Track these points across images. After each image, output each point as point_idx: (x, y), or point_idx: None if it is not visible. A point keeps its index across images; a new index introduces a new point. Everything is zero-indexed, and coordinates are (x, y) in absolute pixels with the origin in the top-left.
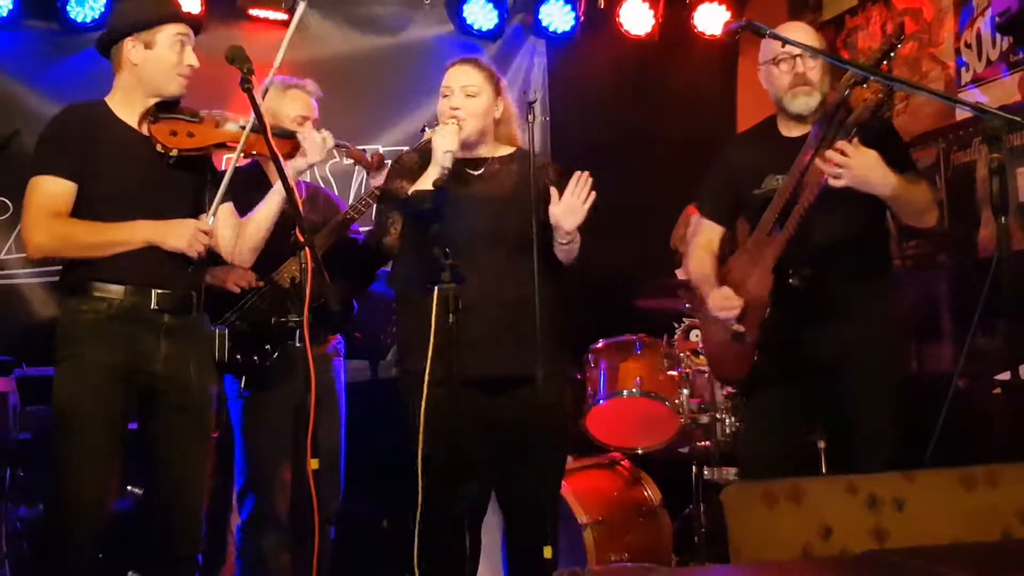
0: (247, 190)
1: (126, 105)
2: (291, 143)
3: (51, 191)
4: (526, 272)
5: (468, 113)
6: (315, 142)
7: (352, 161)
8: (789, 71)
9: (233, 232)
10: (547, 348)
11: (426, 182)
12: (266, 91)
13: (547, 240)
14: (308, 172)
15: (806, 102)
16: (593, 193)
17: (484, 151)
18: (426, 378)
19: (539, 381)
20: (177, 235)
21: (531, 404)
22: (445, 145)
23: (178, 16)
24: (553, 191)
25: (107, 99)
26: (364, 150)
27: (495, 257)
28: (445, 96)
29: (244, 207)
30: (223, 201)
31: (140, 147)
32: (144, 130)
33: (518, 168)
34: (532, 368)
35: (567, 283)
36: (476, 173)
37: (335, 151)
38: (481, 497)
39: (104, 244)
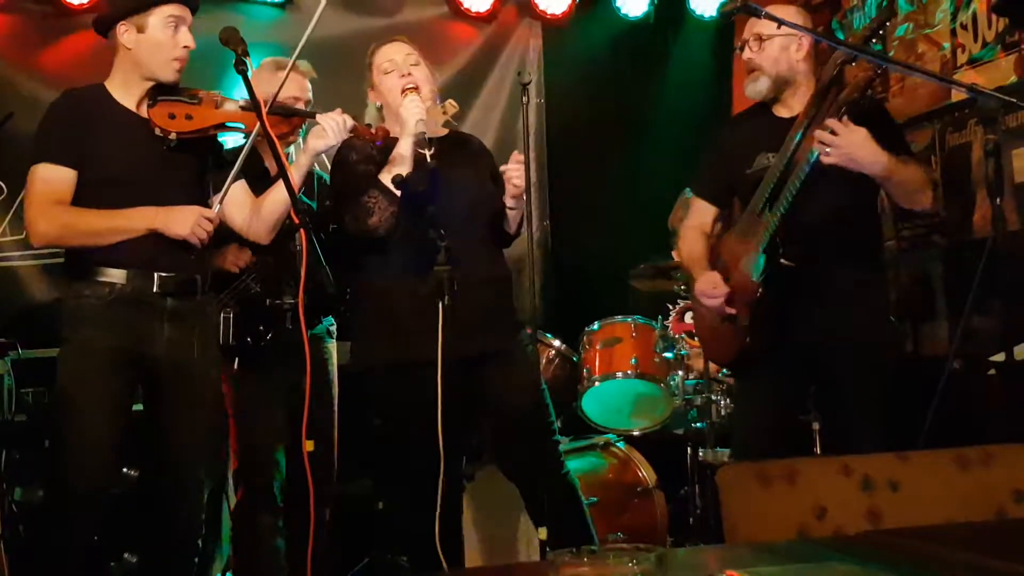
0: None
1: (124, 88)
2: (297, 121)
3: (51, 179)
4: (491, 248)
5: (418, 79)
6: (335, 123)
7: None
8: (746, 57)
9: (247, 210)
10: (515, 320)
11: (403, 162)
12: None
13: (500, 219)
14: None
15: (753, 87)
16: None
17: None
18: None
19: (513, 351)
20: (179, 222)
21: (507, 374)
22: (415, 114)
23: None
24: (514, 156)
25: (106, 82)
26: (370, 125)
27: (463, 234)
28: (389, 72)
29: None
30: (235, 180)
31: (139, 130)
32: (143, 113)
33: (461, 146)
34: (507, 341)
35: (561, 268)
36: (428, 153)
37: None
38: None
39: (106, 232)
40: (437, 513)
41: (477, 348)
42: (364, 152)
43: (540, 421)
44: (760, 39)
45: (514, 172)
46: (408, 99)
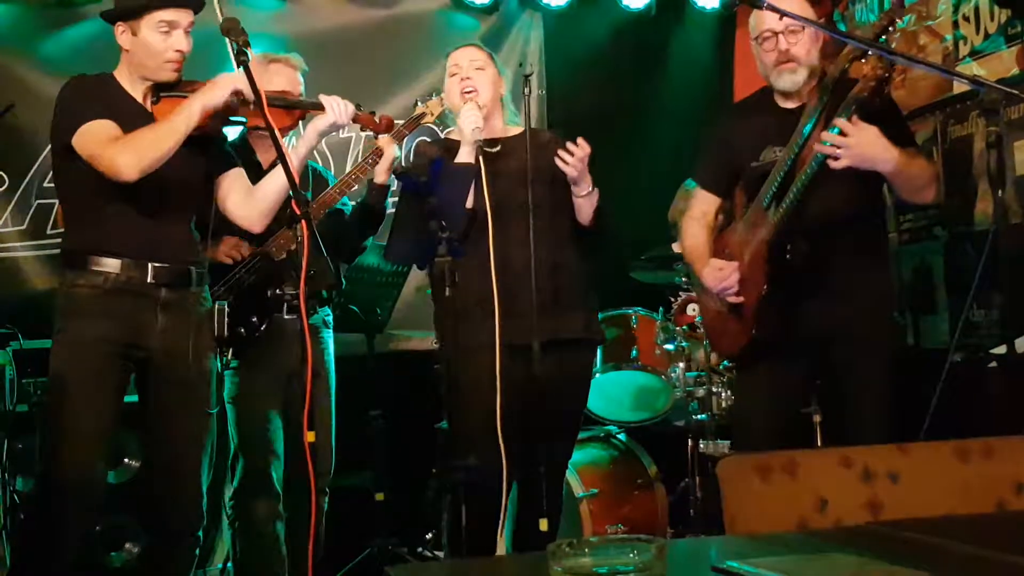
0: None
1: (131, 82)
2: (299, 113)
3: (100, 129)
4: (559, 239)
5: (479, 84)
6: (339, 105)
7: (360, 126)
8: (773, 49)
9: (244, 197)
10: (582, 313)
11: (465, 160)
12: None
13: (571, 210)
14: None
15: (791, 79)
16: (588, 148)
17: (497, 130)
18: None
19: (577, 342)
20: (222, 82)
21: (566, 365)
22: (472, 123)
23: (163, 2)
24: (560, 153)
25: (116, 72)
26: (373, 113)
27: (528, 226)
28: (454, 74)
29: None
30: (232, 167)
31: (147, 121)
32: (148, 107)
33: (530, 143)
34: (570, 329)
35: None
36: (495, 151)
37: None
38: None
39: (173, 130)
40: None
41: (531, 337)
42: (428, 157)
43: (572, 418)
44: (795, 29)
45: (561, 163)
46: (465, 108)
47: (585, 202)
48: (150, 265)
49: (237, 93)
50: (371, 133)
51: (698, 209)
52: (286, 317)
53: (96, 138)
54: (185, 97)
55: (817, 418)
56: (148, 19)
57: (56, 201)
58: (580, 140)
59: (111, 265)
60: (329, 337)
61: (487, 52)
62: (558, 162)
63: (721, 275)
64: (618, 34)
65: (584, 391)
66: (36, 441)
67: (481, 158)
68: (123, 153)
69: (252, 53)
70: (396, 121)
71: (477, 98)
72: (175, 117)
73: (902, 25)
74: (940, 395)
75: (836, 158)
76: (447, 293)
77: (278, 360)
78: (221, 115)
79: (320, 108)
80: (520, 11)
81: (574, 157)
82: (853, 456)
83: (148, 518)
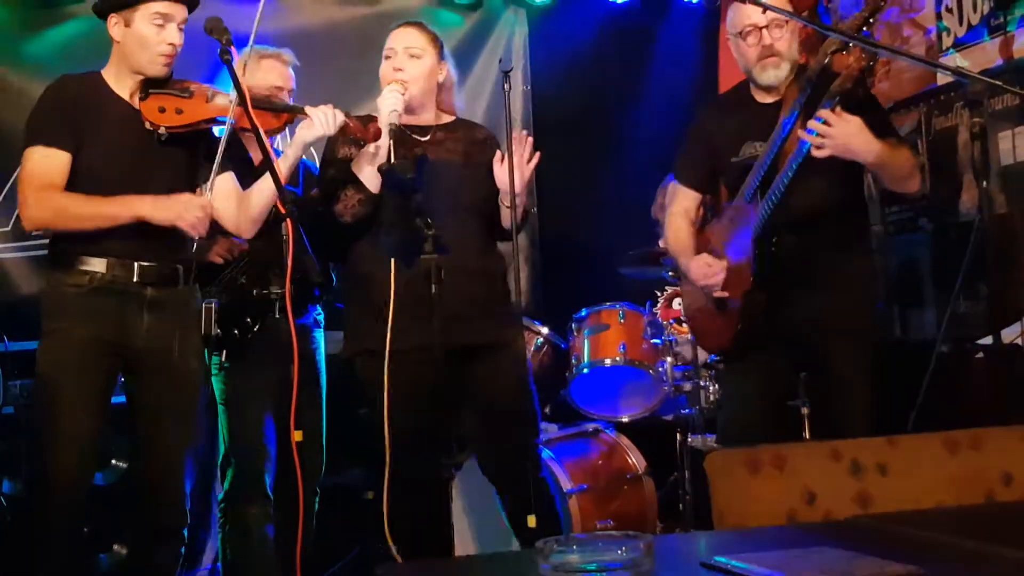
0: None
1: (118, 79)
2: (286, 116)
3: (45, 163)
4: (484, 240)
5: (411, 75)
6: (324, 116)
7: (347, 132)
8: (756, 43)
9: (234, 203)
10: (508, 315)
11: (378, 154)
12: (244, 64)
13: (494, 209)
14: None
15: (775, 74)
16: (537, 154)
17: (428, 117)
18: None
19: (503, 345)
20: (169, 208)
21: (498, 367)
22: (390, 105)
23: None
24: (497, 155)
25: (103, 71)
26: (364, 121)
27: (452, 224)
28: (388, 58)
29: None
30: (221, 172)
31: (132, 121)
32: (136, 104)
33: (462, 135)
34: (496, 333)
35: (548, 255)
36: (423, 139)
37: None
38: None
39: (96, 217)
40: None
41: (464, 339)
42: (348, 141)
43: (524, 419)
44: (779, 23)
45: (497, 173)
46: (387, 89)
47: (508, 212)
48: (136, 264)
49: (177, 224)
50: None
51: (679, 205)
52: (278, 317)
53: (33, 171)
54: (174, 95)
55: (805, 410)
56: (143, 10)
57: None
58: (498, 153)
59: (97, 264)
60: (320, 337)
61: (429, 34)
62: (496, 170)
63: (708, 270)
64: (603, 29)
65: (519, 389)
66: (25, 444)
67: (395, 143)
68: (38, 206)
69: (239, 51)
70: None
71: (406, 84)
72: (110, 207)
73: (885, 18)
74: (928, 386)
75: (820, 147)
76: (434, 290)
77: (271, 361)
78: (208, 119)
79: (306, 115)
80: (504, 7)
81: (501, 170)
82: (842, 449)
83: (135, 518)
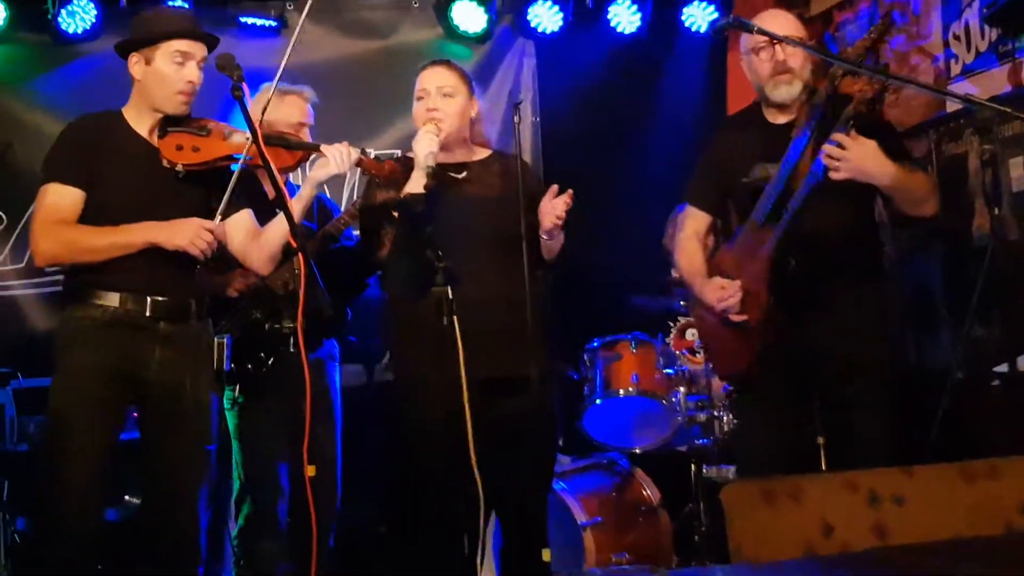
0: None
1: (138, 116)
2: (301, 154)
3: (57, 199)
4: (516, 273)
5: (445, 113)
6: (339, 154)
7: (361, 170)
8: (769, 59)
9: (248, 237)
10: (539, 349)
11: (415, 187)
12: (268, 102)
13: (534, 240)
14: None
15: (787, 90)
16: (569, 191)
17: (463, 154)
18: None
19: (533, 382)
20: (179, 233)
21: (523, 405)
22: (426, 147)
23: (180, 33)
24: (549, 192)
25: (123, 109)
26: (379, 159)
27: (486, 259)
28: (421, 98)
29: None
30: (238, 209)
31: (150, 159)
32: (155, 141)
33: (499, 170)
34: (525, 369)
35: (556, 282)
36: (459, 176)
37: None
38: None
39: (107, 247)
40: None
41: (486, 372)
42: (389, 178)
43: (543, 457)
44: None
45: (546, 210)
46: (422, 130)
47: (548, 244)
48: (149, 299)
49: (187, 252)
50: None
51: (690, 228)
52: (292, 352)
53: (45, 207)
54: (191, 133)
55: (821, 440)
56: (164, 48)
57: None
58: (569, 193)
59: (110, 299)
60: (335, 371)
61: (458, 72)
62: (544, 213)
63: (723, 293)
64: (611, 60)
65: (545, 426)
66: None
67: (442, 183)
68: (48, 239)
69: (259, 86)
70: (395, 152)
71: (440, 124)
72: (120, 236)
73: (893, 45)
74: (943, 414)
75: (836, 170)
76: (445, 322)
77: (284, 396)
78: (225, 156)
79: (321, 152)
80: (512, 39)
81: (556, 209)
82: (858, 480)
83: (148, 554)
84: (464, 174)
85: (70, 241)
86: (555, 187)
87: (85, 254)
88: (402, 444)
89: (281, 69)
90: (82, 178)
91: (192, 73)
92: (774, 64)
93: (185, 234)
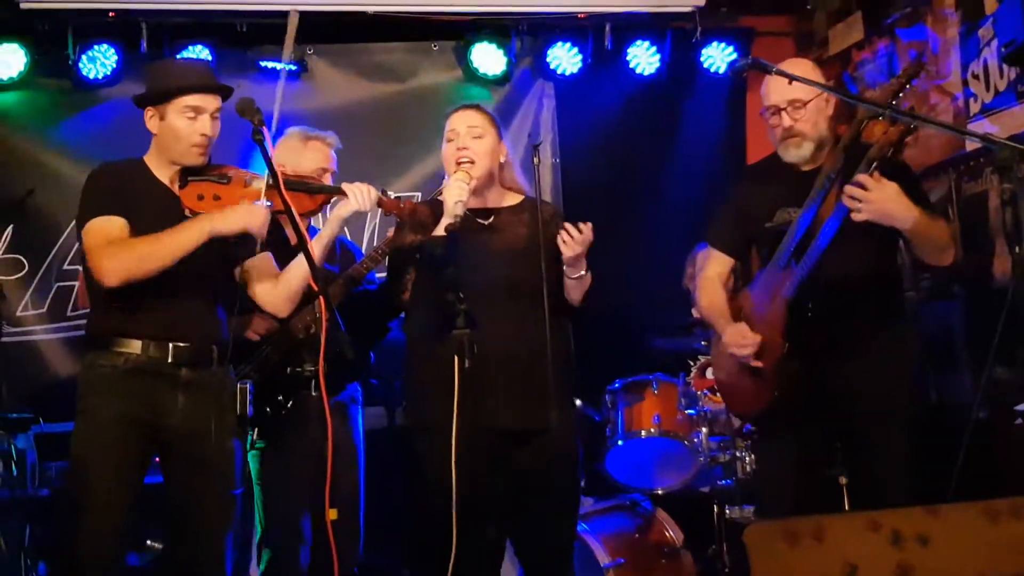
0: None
1: (159, 166)
2: (322, 197)
3: (105, 224)
4: (539, 324)
5: (476, 153)
6: (362, 193)
7: (382, 210)
8: (778, 124)
9: (270, 283)
10: (560, 400)
11: (440, 231)
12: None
13: (559, 290)
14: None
15: (797, 153)
16: (588, 224)
17: (493, 199)
18: (455, 425)
19: (552, 431)
20: (236, 217)
21: (544, 454)
22: (456, 195)
23: (191, 88)
24: (562, 234)
25: (146, 157)
26: (399, 199)
27: (509, 309)
28: (451, 140)
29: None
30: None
31: (173, 207)
32: (176, 190)
33: (528, 218)
34: (545, 419)
35: (576, 323)
36: (486, 223)
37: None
38: (497, 545)
39: (170, 246)
40: None
41: (507, 422)
42: (418, 221)
43: (567, 507)
44: (798, 105)
45: (564, 239)
46: (454, 178)
47: (576, 284)
48: (170, 345)
49: (246, 233)
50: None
51: (712, 270)
52: (314, 395)
53: (96, 237)
54: (211, 182)
55: (843, 480)
56: (175, 104)
57: (76, 283)
58: (587, 224)
59: (132, 346)
60: (358, 415)
61: (487, 115)
62: (559, 242)
63: (742, 340)
64: (630, 101)
65: (566, 480)
66: (58, 525)
67: (467, 229)
68: (111, 259)
69: (267, 132)
70: (415, 194)
71: (471, 169)
72: (180, 233)
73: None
74: (966, 454)
75: (858, 212)
76: (465, 365)
77: (305, 440)
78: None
79: (343, 194)
80: (532, 81)
81: (576, 239)
82: (881, 520)
83: None
84: (491, 219)
85: (128, 253)
86: (568, 225)
87: (154, 261)
88: (419, 487)
89: (276, 115)
90: (121, 210)
91: (205, 127)
92: (782, 131)
93: (240, 215)
